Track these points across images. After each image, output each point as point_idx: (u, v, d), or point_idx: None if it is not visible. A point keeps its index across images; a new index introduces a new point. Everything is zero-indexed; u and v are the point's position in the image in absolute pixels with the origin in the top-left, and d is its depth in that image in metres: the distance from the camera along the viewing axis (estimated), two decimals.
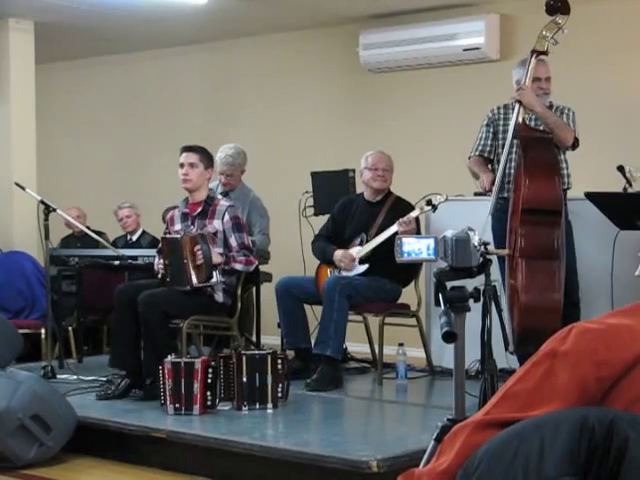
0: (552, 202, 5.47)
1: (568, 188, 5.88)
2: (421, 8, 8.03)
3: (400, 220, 6.22)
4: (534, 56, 5.75)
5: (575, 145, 5.83)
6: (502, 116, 6.06)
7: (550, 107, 5.91)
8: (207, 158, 6.16)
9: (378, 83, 8.58)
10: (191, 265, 5.83)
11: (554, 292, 5.37)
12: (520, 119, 5.73)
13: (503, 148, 5.87)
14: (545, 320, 5.22)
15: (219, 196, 6.29)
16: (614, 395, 1.41)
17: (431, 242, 2.96)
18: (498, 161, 5.92)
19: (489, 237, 5.70)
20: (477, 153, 6.11)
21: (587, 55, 7.40)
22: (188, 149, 6.18)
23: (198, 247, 5.83)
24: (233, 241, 6.05)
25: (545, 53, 5.74)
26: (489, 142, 6.08)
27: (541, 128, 5.84)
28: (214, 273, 5.86)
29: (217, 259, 5.91)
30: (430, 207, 6.28)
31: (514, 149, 5.78)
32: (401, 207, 6.43)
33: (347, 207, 6.69)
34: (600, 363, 1.41)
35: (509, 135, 5.76)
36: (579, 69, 7.37)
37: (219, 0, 7.87)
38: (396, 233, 6.12)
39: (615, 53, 7.33)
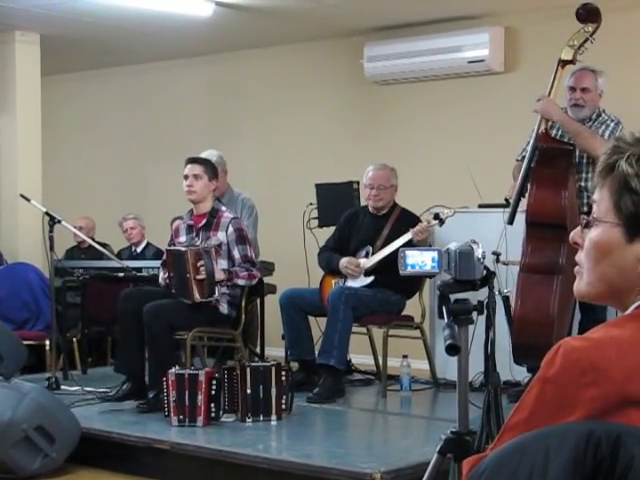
0: (556, 216, 5.39)
1: None
2: (426, 20, 8.04)
3: (414, 229, 6.16)
4: (560, 65, 5.64)
5: None
6: (550, 123, 5.85)
7: (597, 117, 5.79)
8: (211, 170, 6.17)
9: (383, 95, 8.59)
10: (193, 280, 5.82)
11: (549, 307, 5.31)
12: (542, 129, 5.66)
13: None
14: (537, 334, 5.18)
15: (223, 208, 6.29)
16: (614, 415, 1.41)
17: (435, 254, 2.95)
18: None
19: (507, 247, 5.68)
20: (519, 158, 5.99)
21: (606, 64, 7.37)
22: (192, 161, 6.20)
23: (201, 262, 5.82)
24: (236, 253, 6.05)
25: (572, 62, 5.63)
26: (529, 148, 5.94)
27: (565, 139, 5.74)
28: (216, 289, 5.87)
29: (220, 276, 5.91)
30: (437, 221, 6.27)
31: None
32: (407, 219, 6.42)
33: (352, 219, 6.68)
34: (588, 384, 1.40)
35: (530, 145, 5.66)
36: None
37: (223, 12, 7.89)
38: (408, 242, 6.08)
39: (616, 65, 7.32)
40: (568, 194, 5.45)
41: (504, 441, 1.46)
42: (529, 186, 5.49)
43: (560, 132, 5.81)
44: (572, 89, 5.80)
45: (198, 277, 5.82)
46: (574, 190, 5.61)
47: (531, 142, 5.67)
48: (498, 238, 5.70)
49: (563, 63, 5.65)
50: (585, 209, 5.68)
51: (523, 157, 5.93)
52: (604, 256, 1.54)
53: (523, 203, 5.69)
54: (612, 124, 5.77)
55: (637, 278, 1.51)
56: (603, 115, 5.84)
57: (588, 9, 5.58)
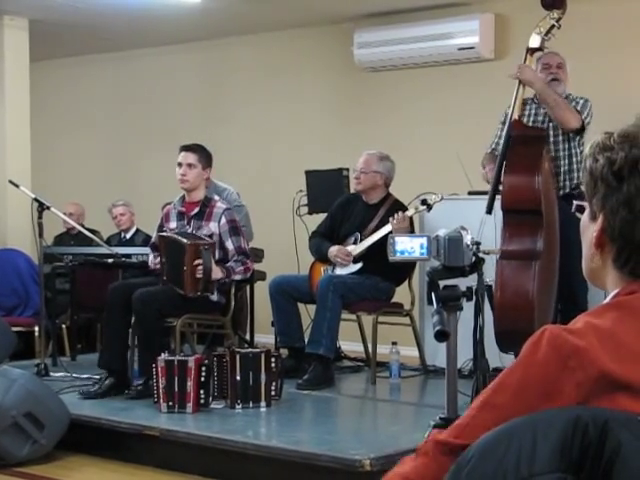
0: (531, 202, 5.40)
1: (580, 183, 5.81)
2: (416, 7, 8.03)
3: (394, 216, 6.21)
4: (529, 53, 5.69)
5: (581, 130, 5.72)
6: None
7: (565, 97, 5.84)
8: (205, 158, 6.12)
9: (373, 82, 8.58)
10: (189, 275, 5.78)
11: (529, 293, 5.32)
12: (516, 115, 5.68)
13: None
14: (517, 320, 5.20)
15: (216, 197, 6.24)
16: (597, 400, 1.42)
17: (424, 241, 2.97)
18: None
19: (487, 236, 5.70)
20: (489, 150, 6.06)
21: (579, 54, 7.40)
22: (186, 149, 6.13)
23: (199, 261, 5.75)
24: (229, 245, 6.01)
25: (540, 49, 5.70)
26: (501, 140, 6.01)
27: (538, 126, 5.80)
28: (211, 286, 5.84)
29: (217, 275, 5.86)
30: (425, 207, 6.28)
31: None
32: (398, 210, 6.40)
33: (345, 206, 6.69)
34: (574, 369, 1.41)
35: (505, 132, 5.71)
36: (573, 68, 7.37)
37: None
38: (390, 232, 6.11)
39: (608, 52, 7.34)
40: (542, 179, 5.48)
41: (482, 419, 1.47)
42: (504, 175, 5.52)
43: (532, 119, 5.85)
44: (547, 65, 5.86)
45: (196, 275, 5.79)
46: (549, 175, 5.64)
47: (505, 129, 5.71)
48: (481, 227, 5.71)
49: (531, 51, 5.72)
50: (561, 193, 5.73)
51: (493, 149, 6.01)
52: (582, 235, 1.61)
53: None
54: (581, 101, 5.83)
55: (594, 256, 1.56)
56: (570, 96, 5.89)
57: None
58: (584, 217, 1.59)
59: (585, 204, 1.60)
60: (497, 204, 5.62)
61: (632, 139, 1.51)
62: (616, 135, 1.54)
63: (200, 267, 5.75)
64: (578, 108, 5.77)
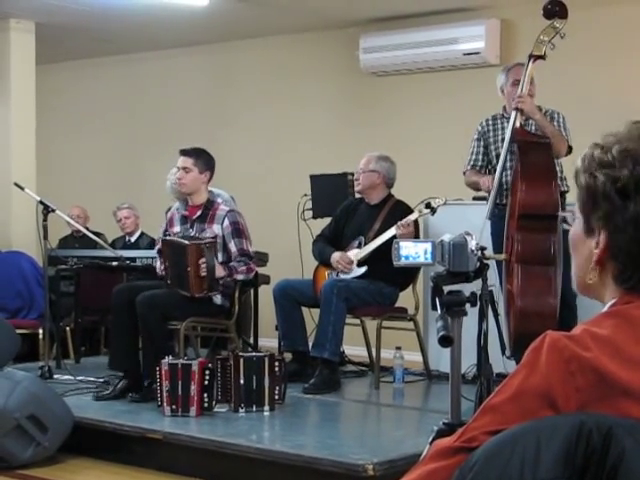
0: (549, 207, 5.48)
1: (566, 191, 5.87)
2: (422, 12, 8.03)
3: (398, 223, 6.22)
4: (532, 60, 5.74)
5: (568, 152, 5.82)
6: (491, 127, 6.11)
7: (545, 113, 5.93)
8: (203, 162, 6.10)
9: (378, 86, 8.58)
10: (193, 275, 5.79)
11: (550, 297, 5.38)
12: (517, 124, 5.74)
13: (497, 158, 5.90)
14: (541, 325, 5.22)
15: (219, 200, 6.25)
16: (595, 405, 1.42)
17: (428, 246, 2.96)
18: (494, 172, 5.96)
19: (486, 242, 5.72)
20: (470, 167, 6.16)
21: (583, 60, 7.41)
22: (182, 153, 6.14)
23: (203, 260, 5.77)
24: (232, 247, 6.02)
25: (543, 57, 5.74)
26: (480, 157, 6.16)
27: (539, 133, 5.86)
28: (216, 285, 5.85)
29: (220, 273, 5.88)
30: (429, 210, 6.28)
31: (510, 156, 5.79)
32: (400, 210, 6.42)
33: (349, 209, 6.70)
34: (574, 373, 1.42)
35: (506, 141, 5.75)
36: (575, 74, 7.39)
37: (220, 2, 7.88)
38: (394, 236, 6.11)
39: (611, 58, 7.34)
40: (557, 184, 5.56)
41: (484, 421, 1.47)
42: (518, 181, 5.56)
43: (534, 127, 5.90)
44: (518, 82, 5.85)
45: (200, 274, 5.79)
46: None
47: (507, 138, 5.74)
48: (482, 232, 5.73)
49: (534, 58, 5.75)
50: None
51: (473, 166, 6.07)
52: (574, 249, 1.59)
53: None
54: (562, 119, 5.91)
55: (591, 272, 1.55)
56: (545, 107, 5.93)
57: (555, 4, 5.67)
58: (577, 230, 1.57)
59: (566, 214, 1.59)
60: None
61: (634, 155, 1.49)
62: (615, 151, 1.51)
63: (204, 265, 5.76)
64: (562, 129, 5.85)
